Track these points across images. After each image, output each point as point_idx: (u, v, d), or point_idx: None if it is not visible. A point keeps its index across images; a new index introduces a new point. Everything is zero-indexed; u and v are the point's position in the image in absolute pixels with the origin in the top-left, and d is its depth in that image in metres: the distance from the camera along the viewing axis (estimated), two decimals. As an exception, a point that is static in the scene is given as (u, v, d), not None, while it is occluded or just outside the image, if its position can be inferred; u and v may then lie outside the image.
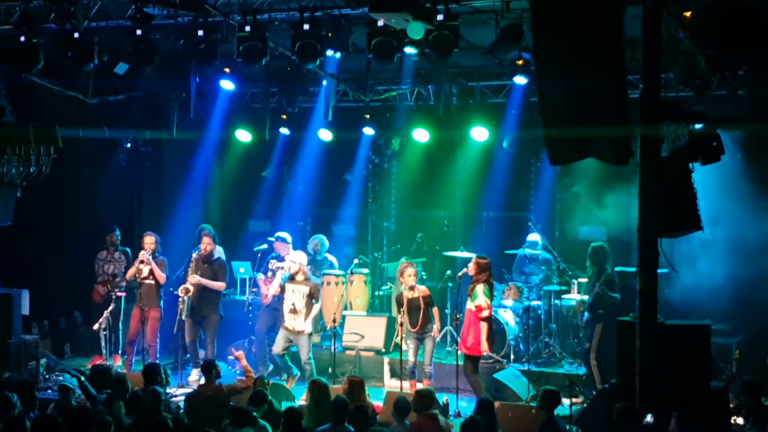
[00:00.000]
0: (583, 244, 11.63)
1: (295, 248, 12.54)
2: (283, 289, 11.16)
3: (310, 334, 10.96)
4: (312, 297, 10.88)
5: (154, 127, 13.77)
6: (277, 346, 11.00)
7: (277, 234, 12.28)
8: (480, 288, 10.14)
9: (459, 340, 10.51)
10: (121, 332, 12.14)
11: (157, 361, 11.55)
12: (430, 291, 10.85)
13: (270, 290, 11.48)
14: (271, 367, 11.54)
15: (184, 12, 9.95)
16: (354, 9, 9.62)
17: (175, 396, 10.20)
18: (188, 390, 10.97)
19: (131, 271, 11.80)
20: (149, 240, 11.76)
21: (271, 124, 13.32)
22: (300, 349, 10.95)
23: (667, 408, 7.50)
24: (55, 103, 12.26)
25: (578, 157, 7.77)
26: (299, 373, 11.03)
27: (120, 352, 12.11)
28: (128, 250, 12.70)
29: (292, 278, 11.05)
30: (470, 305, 10.22)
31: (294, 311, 10.87)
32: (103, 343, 11.80)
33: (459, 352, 10.33)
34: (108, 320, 11.86)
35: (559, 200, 12.79)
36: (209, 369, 8.93)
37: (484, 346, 10.13)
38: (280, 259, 11.97)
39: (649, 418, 7.43)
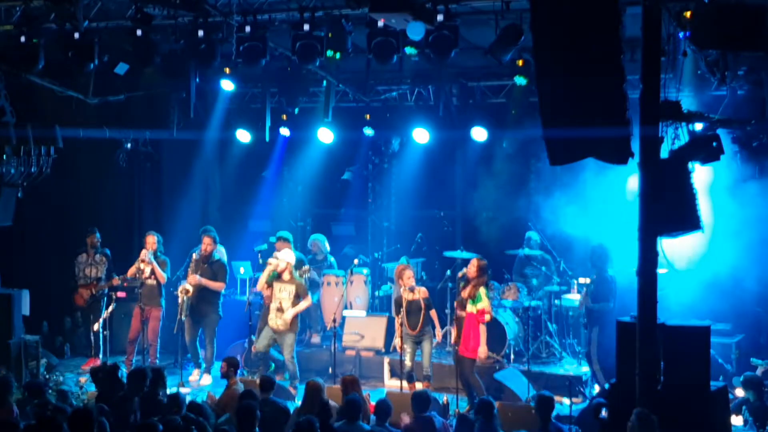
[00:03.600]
0: (582, 244, 11.64)
1: (295, 248, 12.57)
2: (270, 286, 11.21)
3: (294, 333, 11.07)
4: (299, 296, 10.99)
5: (154, 127, 13.77)
6: (260, 344, 11.11)
7: (279, 233, 12.29)
8: (483, 291, 10.15)
9: (456, 341, 10.47)
10: (108, 335, 12.14)
11: (157, 361, 11.58)
12: (429, 292, 10.84)
13: (258, 284, 11.52)
14: (272, 367, 11.55)
15: (184, 12, 9.96)
16: (354, 9, 9.62)
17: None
18: (188, 390, 11.00)
19: (132, 270, 11.80)
20: (151, 239, 11.78)
21: (271, 124, 13.32)
22: (283, 348, 11.03)
23: (665, 408, 7.52)
24: (55, 103, 12.27)
25: (578, 157, 7.75)
26: (273, 367, 11.20)
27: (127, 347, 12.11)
28: (108, 251, 12.66)
29: (279, 277, 11.10)
30: (471, 308, 10.19)
31: (281, 310, 10.96)
32: (100, 343, 11.81)
33: (461, 355, 10.27)
34: (106, 321, 11.89)
35: (558, 200, 12.77)
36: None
37: (483, 349, 10.13)
38: None
39: (603, 412, 7.50)
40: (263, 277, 11.28)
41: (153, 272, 11.66)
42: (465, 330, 10.22)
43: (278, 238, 12.15)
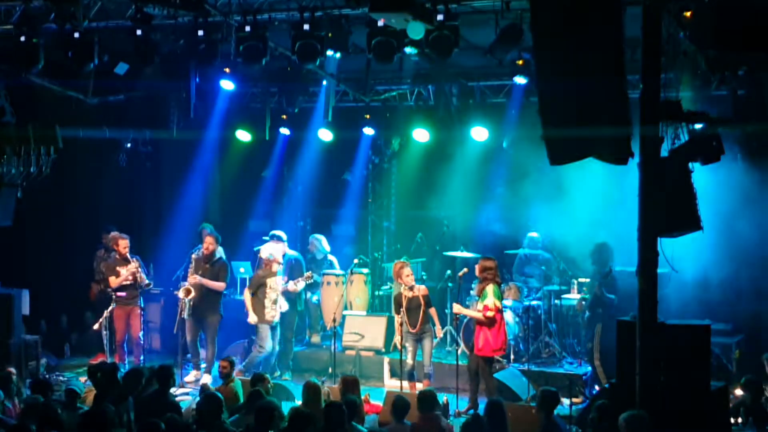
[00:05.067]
0: (583, 243, 11.63)
1: (292, 247, 12.56)
2: (264, 284, 11.31)
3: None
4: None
5: (154, 127, 13.78)
6: (268, 344, 11.23)
7: (272, 232, 12.25)
8: (490, 288, 10.14)
9: (463, 341, 10.47)
10: (108, 334, 12.16)
11: (142, 358, 11.56)
12: (429, 291, 10.84)
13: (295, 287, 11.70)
14: (278, 372, 11.56)
15: (184, 12, 9.95)
16: (354, 9, 9.62)
17: (175, 396, 10.19)
18: (187, 390, 11.01)
19: (119, 281, 11.67)
20: (125, 243, 11.73)
21: (271, 124, 13.33)
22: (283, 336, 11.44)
23: (667, 408, 7.53)
24: (55, 103, 12.27)
25: (578, 157, 7.75)
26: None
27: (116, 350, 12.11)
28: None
29: (272, 271, 11.29)
30: (479, 305, 10.20)
31: (276, 301, 11.28)
32: (105, 342, 11.83)
33: (475, 354, 10.26)
34: (107, 319, 11.89)
35: (558, 200, 12.79)
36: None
37: (494, 347, 10.14)
38: None
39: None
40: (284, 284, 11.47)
41: (132, 274, 11.62)
42: (476, 329, 10.21)
43: (271, 237, 12.13)
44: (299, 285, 11.76)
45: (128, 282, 11.65)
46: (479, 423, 7.44)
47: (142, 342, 11.81)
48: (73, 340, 13.24)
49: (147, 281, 11.81)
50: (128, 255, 11.69)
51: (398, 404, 7.97)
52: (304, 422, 7.07)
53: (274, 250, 11.45)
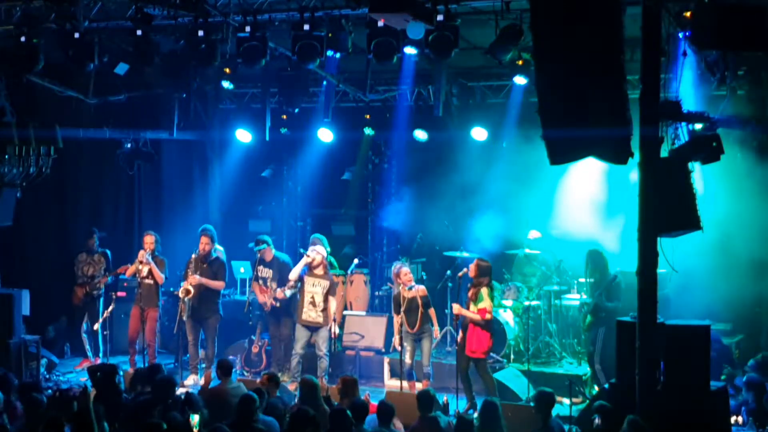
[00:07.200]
0: (582, 243, 11.63)
1: (291, 247, 12.51)
2: (302, 281, 11.16)
3: (329, 329, 11.05)
4: (329, 293, 11.01)
5: (154, 127, 13.77)
6: (299, 345, 11.04)
7: (258, 238, 12.16)
8: (485, 291, 10.13)
9: (460, 342, 10.46)
10: (100, 335, 12.21)
11: (156, 361, 11.57)
12: (428, 291, 10.83)
13: (292, 274, 11.36)
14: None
15: (184, 12, 9.96)
16: (354, 9, 9.63)
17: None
18: (186, 391, 10.99)
19: (131, 270, 11.76)
20: (149, 239, 11.74)
21: (271, 124, 13.32)
22: (319, 343, 11.02)
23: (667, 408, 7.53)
24: (55, 103, 12.27)
25: (578, 157, 7.78)
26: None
27: (100, 354, 12.12)
28: (108, 252, 12.66)
29: (311, 271, 11.08)
30: (473, 309, 10.18)
31: (313, 303, 10.99)
32: (88, 345, 11.84)
33: (466, 355, 10.25)
34: (106, 321, 11.91)
35: (557, 199, 12.78)
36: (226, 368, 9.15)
37: (485, 348, 10.12)
38: (265, 263, 11.88)
39: (597, 420, 7.49)
40: (297, 270, 11.21)
41: (150, 272, 11.60)
42: (469, 331, 10.21)
43: (256, 242, 12.03)
44: (287, 292, 11.63)
45: (146, 279, 11.57)
46: (467, 423, 7.44)
47: (157, 344, 11.84)
48: (76, 340, 13.21)
49: (162, 277, 11.71)
50: (145, 253, 11.59)
51: (382, 409, 7.91)
52: (305, 423, 7.09)
53: (317, 249, 11.22)
